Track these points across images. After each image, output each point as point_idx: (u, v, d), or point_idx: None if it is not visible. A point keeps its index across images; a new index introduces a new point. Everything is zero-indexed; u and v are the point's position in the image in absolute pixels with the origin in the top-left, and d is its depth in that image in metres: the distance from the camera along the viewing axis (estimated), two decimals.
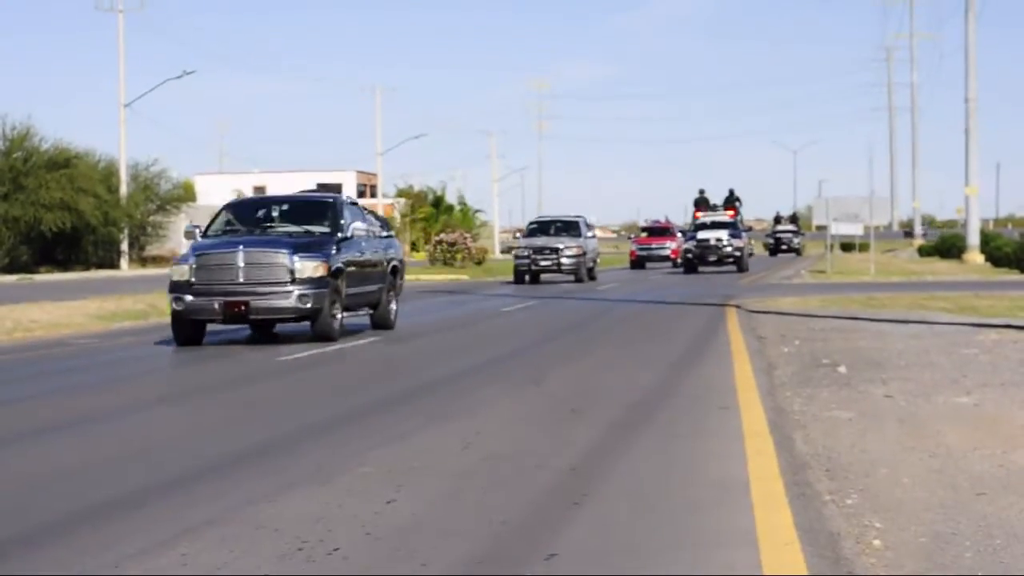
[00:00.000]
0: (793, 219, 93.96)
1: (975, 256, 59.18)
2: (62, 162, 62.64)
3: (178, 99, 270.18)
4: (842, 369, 13.78)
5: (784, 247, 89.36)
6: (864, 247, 70.92)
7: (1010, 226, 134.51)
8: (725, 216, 54.61)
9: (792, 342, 17.33)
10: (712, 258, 50.75)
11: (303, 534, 6.64)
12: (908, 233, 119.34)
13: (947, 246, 71.58)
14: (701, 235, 51.33)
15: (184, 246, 22.17)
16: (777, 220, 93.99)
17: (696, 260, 50.77)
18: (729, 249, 50.70)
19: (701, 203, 60.34)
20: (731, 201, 60.64)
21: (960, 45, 61.93)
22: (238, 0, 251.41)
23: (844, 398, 11.60)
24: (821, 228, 55.89)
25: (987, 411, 10.61)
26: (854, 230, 48.84)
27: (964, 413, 10.54)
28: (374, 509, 7.25)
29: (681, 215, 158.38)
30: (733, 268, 50.78)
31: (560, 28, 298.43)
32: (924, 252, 79.49)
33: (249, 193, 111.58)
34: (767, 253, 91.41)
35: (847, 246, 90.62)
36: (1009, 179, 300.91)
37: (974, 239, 60.76)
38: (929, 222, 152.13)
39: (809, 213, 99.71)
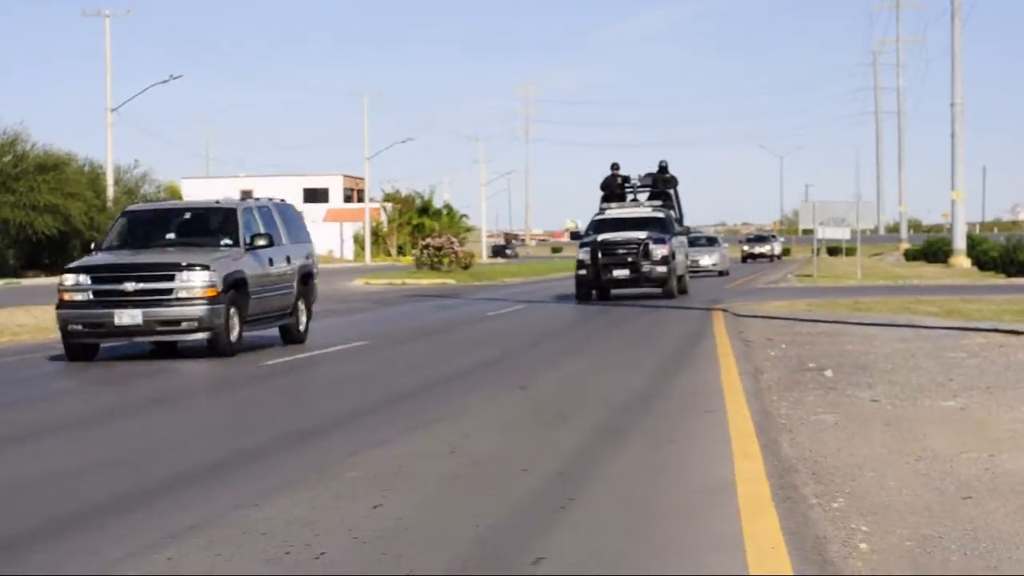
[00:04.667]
0: (661, 189, 35.86)
1: (961, 260, 59.33)
2: (51, 166, 62.56)
3: (165, 104, 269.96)
4: (828, 373, 13.80)
5: (629, 274, 31.57)
6: (851, 251, 71.04)
7: (996, 230, 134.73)
8: None
9: (779, 346, 17.34)
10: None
11: (290, 538, 6.63)
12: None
13: (933, 250, 71.76)
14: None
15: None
16: (613, 191, 35.69)
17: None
18: None
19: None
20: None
21: (946, 49, 62.15)
22: (225, 5, 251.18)
23: (830, 402, 11.61)
24: (808, 232, 55.93)
25: (973, 414, 10.63)
26: (841, 234, 48.94)
27: (950, 417, 10.55)
28: (361, 513, 7.24)
29: None
30: None
31: (549, 35, 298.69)
32: (910, 256, 79.65)
33: (236, 198, 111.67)
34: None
35: (833, 250, 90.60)
36: (995, 183, 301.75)
37: (960, 243, 60.93)
38: (915, 226, 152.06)
39: (795, 217, 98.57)
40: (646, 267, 31.26)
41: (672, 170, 36.04)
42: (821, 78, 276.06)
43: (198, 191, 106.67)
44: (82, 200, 62.44)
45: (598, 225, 33.14)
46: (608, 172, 36.08)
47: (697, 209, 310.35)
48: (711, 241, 59.41)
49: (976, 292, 32.21)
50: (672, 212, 34.81)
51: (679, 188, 36.28)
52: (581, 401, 12.32)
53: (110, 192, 66.95)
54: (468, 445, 9.67)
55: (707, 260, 54.83)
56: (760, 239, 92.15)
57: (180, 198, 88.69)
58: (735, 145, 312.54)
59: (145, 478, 8.69)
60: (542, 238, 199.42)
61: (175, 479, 8.56)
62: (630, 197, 35.65)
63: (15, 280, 54.24)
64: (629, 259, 31.32)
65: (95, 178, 67.10)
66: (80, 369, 16.80)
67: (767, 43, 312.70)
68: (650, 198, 35.40)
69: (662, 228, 32.45)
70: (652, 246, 31.33)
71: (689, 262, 47.69)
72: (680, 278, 33.01)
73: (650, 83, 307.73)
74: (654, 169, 36.25)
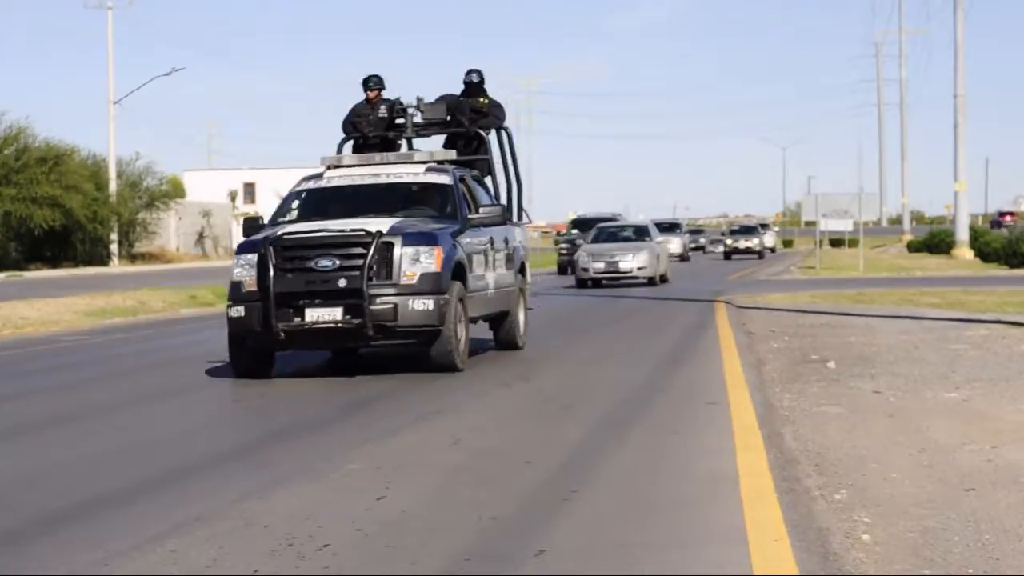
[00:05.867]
0: (467, 129, 17.29)
1: (964, 252, 59.27)
2: (53, 159, 62.56)
3: (167, 96, 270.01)
4: (831, 364, 13.80)
5: (341, 316, 13.31)
6: (853, 243, 70.98)
7: None
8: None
9: (781, 337, 17.34)
10: None
11: (293, 530, 6.63)
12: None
13: (936, 242, 71.67)
14: None
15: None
16: (364, 132, 17.08)
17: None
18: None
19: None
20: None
21: (949, 40, 62.09)
22: None
23: (833, 393, 11.61)
24: (810, 224, 55.86)
25: (976, 406, 10.62)
26: (843, 226, 48.90)
27: (953, 408, 10.55)
28: (364, 505, 7.24)
29: (669, 212, 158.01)
30: None
31: (552, 26, 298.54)
32: (913, 248, 79.59)
33: (240, 190, 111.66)
34: None
35: (836, 242, 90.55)
36: (998, 175, 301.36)
37: (963, 234, 60.87)
38: (917, 218, 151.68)
39: (798, 208, 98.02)
40: (381, 300, 13.45)
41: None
42: (823, 69, 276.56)
43: (200, 184, 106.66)
44: (82, 193, 62.43)
45: (303, 203, 15.63)
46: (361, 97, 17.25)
47: (700, 201, 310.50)
48: (640, 232, 38.89)
49: (979, 284, 32.18)
50: (490, 179, 17.48)
51: (508, 127, 18.08)
52: (583, 392, 12.31)
53: (113, 185, 66.98)
54: (471, 436, 9.67)
55: (630, 263, 35.84)
56: (746, 231, 73.23)
57: (183, 191, 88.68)
58: (737, 137, 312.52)
59: (146, 470, 8.69)
60: (544, 230, 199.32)
61: (177, 471, 8.56)
62: (404, 145, 17.46)
63: (18, 273, 54.25)
64: (341, 282, 13.42)
65: (97, 171, 67.12)
66: None
67: (769, 34, 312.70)
68: (447, 145, 17.43)
69: (443, 209, 15.21)
70: (402, 250, 13.65)
71: (603, 264, 35.85)
72: (500, 318, 16.61)
73: (651, 75, 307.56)
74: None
